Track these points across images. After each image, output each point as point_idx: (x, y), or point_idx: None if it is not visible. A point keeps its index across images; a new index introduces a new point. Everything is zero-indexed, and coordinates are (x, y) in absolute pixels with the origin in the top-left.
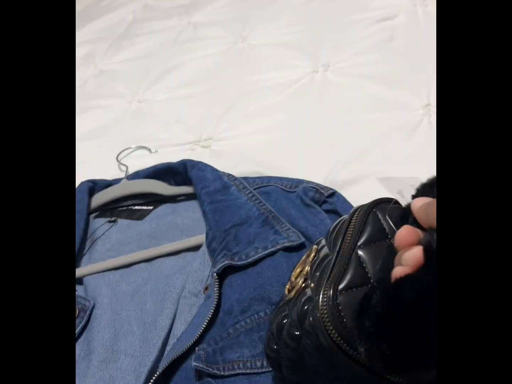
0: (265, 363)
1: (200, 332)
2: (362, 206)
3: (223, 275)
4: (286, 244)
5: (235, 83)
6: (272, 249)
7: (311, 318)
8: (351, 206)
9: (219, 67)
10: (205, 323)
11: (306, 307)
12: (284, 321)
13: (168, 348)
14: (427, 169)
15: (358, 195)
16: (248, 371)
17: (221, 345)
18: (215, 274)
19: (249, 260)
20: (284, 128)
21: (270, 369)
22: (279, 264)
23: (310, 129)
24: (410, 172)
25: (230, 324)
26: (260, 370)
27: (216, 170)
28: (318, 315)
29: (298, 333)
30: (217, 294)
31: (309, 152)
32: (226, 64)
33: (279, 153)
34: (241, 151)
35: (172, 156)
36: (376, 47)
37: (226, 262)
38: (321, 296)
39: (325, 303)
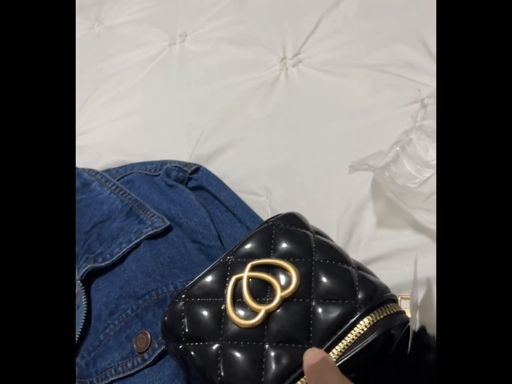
0: (135, 362)
1: None
2: None
3: (90, 280)
4: (150, 233)
5: (92, 71)
6: (136, 241)
7: None
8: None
9: (76, 57)
10: (78, 336)
11: None
12: None
13: None
14: (289, 126)
15: (225, 166)
16: (120, 375)
17: (93, 355)
18: (79, 281)
19: (114, 258)
20: (145, 110)
21: (142, 367)
22: (143, 254)
23: (171, 105)
24: (272, 131)
25: (100, 330)
26: (132, 371)
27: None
28: None
29: None
30: (86, 301)
31: (172, 130)
32: (83, 52)
33: (141, 137)
34: (103, 143)
35: None
36: (229, 8)
37: (89, 266)
38: None
39: None
